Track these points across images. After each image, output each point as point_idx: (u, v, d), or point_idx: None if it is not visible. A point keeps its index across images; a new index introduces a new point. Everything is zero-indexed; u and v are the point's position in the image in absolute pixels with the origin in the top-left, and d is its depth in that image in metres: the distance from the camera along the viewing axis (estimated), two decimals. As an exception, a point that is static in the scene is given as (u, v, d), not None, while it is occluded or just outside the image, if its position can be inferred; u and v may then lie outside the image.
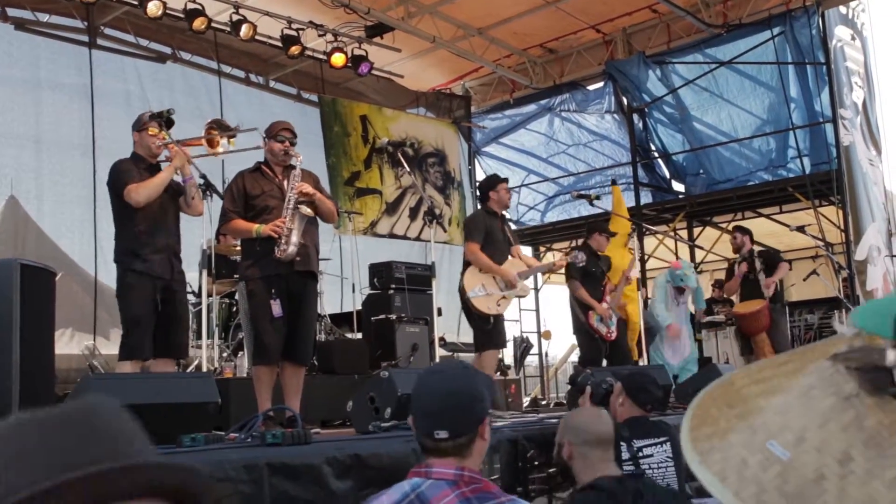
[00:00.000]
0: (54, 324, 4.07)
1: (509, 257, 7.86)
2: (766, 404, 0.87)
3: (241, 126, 6.64)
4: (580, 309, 9.00)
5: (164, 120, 6.14)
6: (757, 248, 10.71)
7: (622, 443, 4.78)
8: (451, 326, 10.66)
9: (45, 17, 11.21)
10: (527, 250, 14.38)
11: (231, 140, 6.52)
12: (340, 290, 11.13)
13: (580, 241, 9.49)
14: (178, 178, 6.19)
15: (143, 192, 5.92)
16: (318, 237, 6.46)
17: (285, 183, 6.31)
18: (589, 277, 9.03)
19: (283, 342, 5.99)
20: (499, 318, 7.75)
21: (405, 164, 8.07)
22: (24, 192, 10.26)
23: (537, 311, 15.40)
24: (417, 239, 13.73)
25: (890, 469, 0.77)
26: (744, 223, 14.35)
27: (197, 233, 7.89)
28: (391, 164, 13.54)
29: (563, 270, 9.13)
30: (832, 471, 0.79)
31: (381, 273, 10.27)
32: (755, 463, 0.82)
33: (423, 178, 13.90)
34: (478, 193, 9.40)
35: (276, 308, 5.98)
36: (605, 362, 8.86)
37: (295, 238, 6.07)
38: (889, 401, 0.81)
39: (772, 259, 10.59)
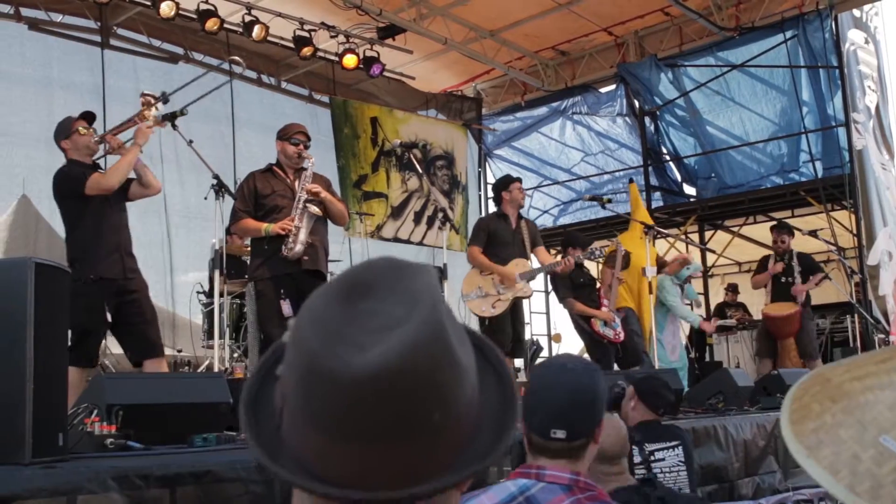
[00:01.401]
0: (68, 323, 4.02)
1: (519, 259, 7.78)
2: (873, 399, 0.88)
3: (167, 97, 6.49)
4: (583, 320, 8.94)
5: (171, 117, 6.15)
6: (797, 251, 10.51)
7: (634, 447, 4.71)
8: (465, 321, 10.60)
9: (58, 18, 11.21)
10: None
11: (158, 106, 6.30)
12: None
13: (596, 245, 9.40)
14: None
15: (113, 175, 5.80)
16: (328, 237, 6.45)
17: (296, 184, 6.33)
18: (580, 288, 8.96)
19: None
20: (499, 320, 7.66)
21: (417, 166, 8.05)
22: (35, 191, 10.20)
23: (548, 313, 15.41)
24: (421, 244, 13.67)
25: None
26: (755, 227, 14.56)
27: (209, 232, 7.85)
28: (398, 167, 13.51)
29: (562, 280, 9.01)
30: None
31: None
32: (868, 458, 0.83)
33: (431, 180, 13.74)
34: (491, 195, 9.35)
35: (287, 308, 5.96)
36: (615, 366, 8.79)
37: (303, 237, 6.09)
38: None
39: (811, 266, 10.44)
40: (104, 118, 10.64)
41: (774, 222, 13.84)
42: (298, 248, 6.08)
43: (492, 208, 14.88)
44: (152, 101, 6.20)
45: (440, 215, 7.48)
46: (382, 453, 0.99)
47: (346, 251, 11.26)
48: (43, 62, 10.88)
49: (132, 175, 6.00)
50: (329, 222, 6.52)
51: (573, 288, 8.92)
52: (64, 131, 6.04)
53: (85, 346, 5.70)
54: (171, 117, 6.10)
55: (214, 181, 6.57)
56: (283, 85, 13.56)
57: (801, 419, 0.90)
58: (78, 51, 11.20)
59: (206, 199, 6.85)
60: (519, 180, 8.26)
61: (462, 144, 14.81)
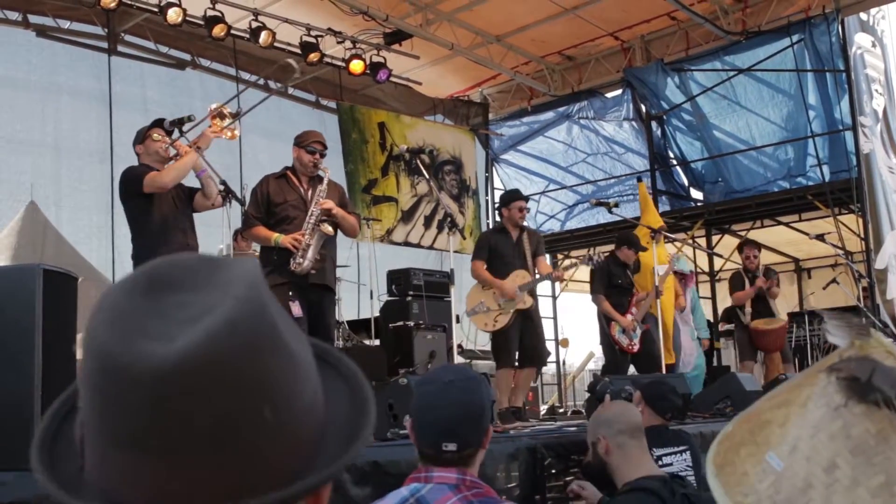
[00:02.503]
0: (76, 331, 3.98)
1: (519, 270, 7.75)
2: (771, 418, 0.91)
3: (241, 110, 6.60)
4: (605, 319, 8.89)
5: (178, 123, 6.07)
6: (764, 265, 10.86)
7: (641, 452, 4.85)
8: (469, 333, 10.60)
9: (65, 24, 11.22)
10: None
11: (229, 117, 6.28)
12: (358, 296, 11.07)
13: (594, 251, 9.33)
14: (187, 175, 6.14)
15: (168, 173, 5.86)
16: (336, 251, 6.48)
17: (309, 193, 6.33)
18: (615, 289, 8.90)
19: None
20: (504, 334, 7.64)
21: (424, 172, 8.01)
22: (42, 197, 10.26)
23: (555, 318, 15.35)
24: (431, 248, 13.62)
25: (875, 476, 0.81)
26: (762, 231, 14.51)
27: (216, 237, 7.83)
28: (407, 171, 13.50)
29: (587, 279, 9.04)
30: (819, 479, 0.84)
31: (399, 280, 10.26)
32: (754, 474, 0.87)
33: (440, 185, 13.77)
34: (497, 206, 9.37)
35: (297, 308, 5.94)
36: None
37: (311, 254, 6.08)
38: (875, 410, 0.86)
39: (776, 276, 10.79)
40: (110, 124, 10.79)
41: (782, 226, 14.05)
42: (307, 264, 6.09)
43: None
44: (226, 113, 6.21)
45: (448, 220, 7.44)
46: (199, 464, 0.84)
47: (353, 256, 11.11)
48: (50, 69, 10.92)
49: (191, 182, 6.08)
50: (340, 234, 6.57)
51: (608, 286, 8.89)
52: (139, 137, 6.16)
53: None
54: (178, 123, 6.05)
55: (221, 187, 6.47)
56: (290, 91, 13.50)
57: (722, 441, 0.94)
58: (85, 57, 11.23)
59: (209, 190, 6.69)
60: (523, 199, 8.18)
61: (470, 149, 14.79)
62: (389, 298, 10.26)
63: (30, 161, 10.45)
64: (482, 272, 7.73)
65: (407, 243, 13.42)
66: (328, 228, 6.15)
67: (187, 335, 0.83)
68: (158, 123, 6.09)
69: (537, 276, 7.99)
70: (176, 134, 6.00)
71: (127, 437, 0.83)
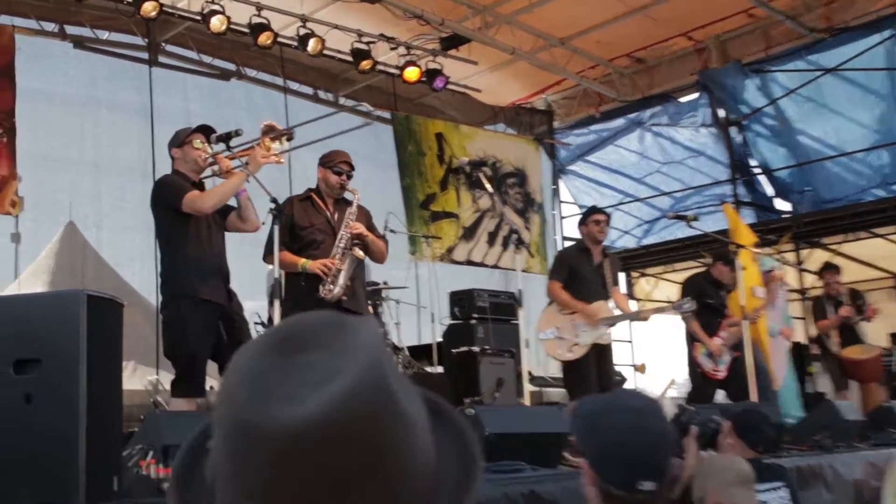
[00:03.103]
0: (122, 359, 4.10)
1: (601, 301, 7.62)
2: None
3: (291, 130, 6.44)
4: (690, 339, 8.75)
5: (226, 138, 5.91)
6: (850, 288, 10.68)
7: (734, 488, 4.72)
8: (540, 359, 10.45)
9: (104, 35, 11.32)
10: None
11: (284, 140, 6.19)
12: (418, 320, 10.92)
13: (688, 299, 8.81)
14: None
15: (210, 198, 5.76)
16: (365, 276, 6.49)
17: (336, 216, 6.30)
18: (706, 309, 8.67)
19: None
20: (579, 367, 7.50)
21: (486, 186, 7.87)
22: (82, 217, 10.30)
23: (631, 342, 14.92)
24: (496, 267, 13.50)
25: None
26: (856, 244, 14.06)
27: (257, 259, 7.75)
28: (468, 185, 13.36)
29: (666, 299, 8.85)
30: None
31: (462, 302, 10.20)
32: None
33: (503, 199, 13.64)
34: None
35: None
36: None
37: (342, 280, 6.04)
38: None
39: (862, 299, 10.61)
40: (152, 139, 10.72)
41: (879, 239, 13.68)
42: (337, 290, 6.06)
43: (567, 229, 15.29)
44: (279, 131, 6.14)
45: (514, 237, 7.28)
46: None
47: (412, 277, 11.12)
48: (88, 81, 11.01)
49: (232, 202, 6.00)
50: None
51: (700, 305, 8.54)
52: (177, 140, 6.04)
53: (196, 374, 5.71)
54: (225, 138, 5.90)
55: (272, 205, 6.27)
56: (341, 101, 13.45)
57: None
58: (125, 69, 11.29)
59: (263, 224, 6.68)
60: (600, 212, 8.07)
61: (534, 160, 14.61)
62: (452, 322, 10.19)
63: (68, 179, 10.47)
64: (561, 293, 7.61)
65: (469, 262, 13.28)
66: (359, 253, 6.13)
67: (314, 399, 0.94)
68: (203, 130, 5.97)
69: (624, 314, 7.84)
70: (219, 146, 5.87)
71: (254, 490, 0.95)
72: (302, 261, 6.07)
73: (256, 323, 9.10)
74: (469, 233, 13.38)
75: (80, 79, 10.93)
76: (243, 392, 0.96)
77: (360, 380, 0.94)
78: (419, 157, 13.08)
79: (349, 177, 6.38)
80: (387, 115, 13.34)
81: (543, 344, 7.65)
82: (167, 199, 5.76)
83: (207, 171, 6.03)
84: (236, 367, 1.00)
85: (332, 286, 6.02)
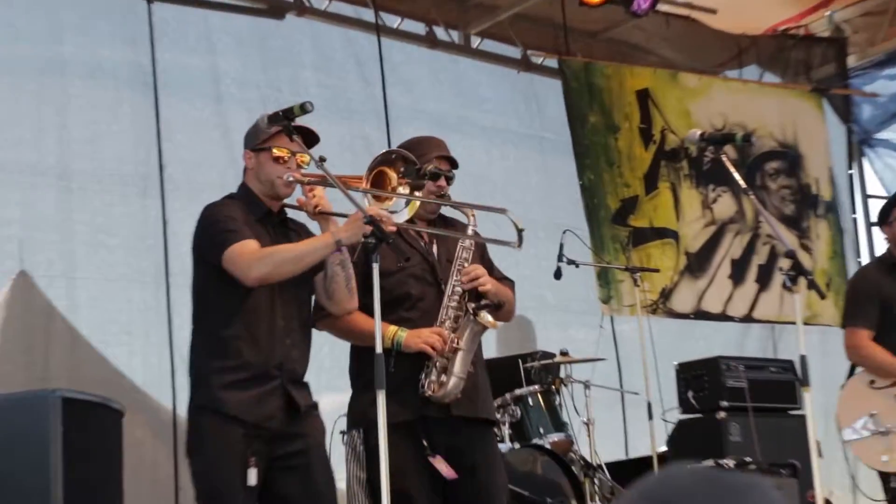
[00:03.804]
0: (120, 476, 4.05)
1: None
2: None
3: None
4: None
5: (291, 125, 4.74)
6: None
7: None
8: (840, 474, 8.28)
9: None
10: None
11: (415, 191, 5.06)
12: (622, 414, 9.68)
13: None
14: None
15: (267, 261, 4.76)
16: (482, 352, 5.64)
17: (435, 249, 5.47)
18: None
19: None
20: None
21: (735, 176, 5.81)
22: (40, 264, 8.21)
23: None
24: (749, 319, 10.93)
25: None
26: None
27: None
28: (694, 178, 10.72)
29: None
30: None
31: (699, 381, 8.95)
32: None
33: (760, 199, 10.70)
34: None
35: (444, 467, 5.10)
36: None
37: (459, 367, 5.12)
38: None
39: None
40: (157, 123, 8.77)
41: None
42: (452, 384, 5.07)
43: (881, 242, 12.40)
44: (398, 174, 5.07)
45: (785, 264, 5.42)
46: None
47: (607, 340, 9.44)
48: (48, 32, 8.74)
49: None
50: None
51: None
52: (254, 137, 5.02)
53: None
54: (284, 118, 4.61)
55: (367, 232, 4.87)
56: (474, 42, 10.59)
57: None
58: (109, 7, 9.00)
59: (337, 283, 5.49)
60: None
61: (815, 127, 11.76)
62: (684, 417, 8.86)
63: (16, 198, 8.31)
64: (872, 350, 6.82)
65: (701, 313, 10.63)
66: (488, 319, 5.19)
67: None
68: (278, 119, 4.69)
69: None
70: (312, 166, 4.89)
71: None
72: (392, 330, 5.08)
73: (342, 431, 7.02)
74: (698, 262, 10.68)
75: (35, 29, 8.63)
76: None
77: None
78: (608, 135, 10.40)
79: (449, 180, 5.45)
80: (550, 62, 10.61)
81: (851, 446, 6.95)
82: (204, 243, 4.93)
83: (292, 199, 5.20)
84: None
85: (443, 377, 5.15)
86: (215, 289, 5.01)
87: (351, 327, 5.25)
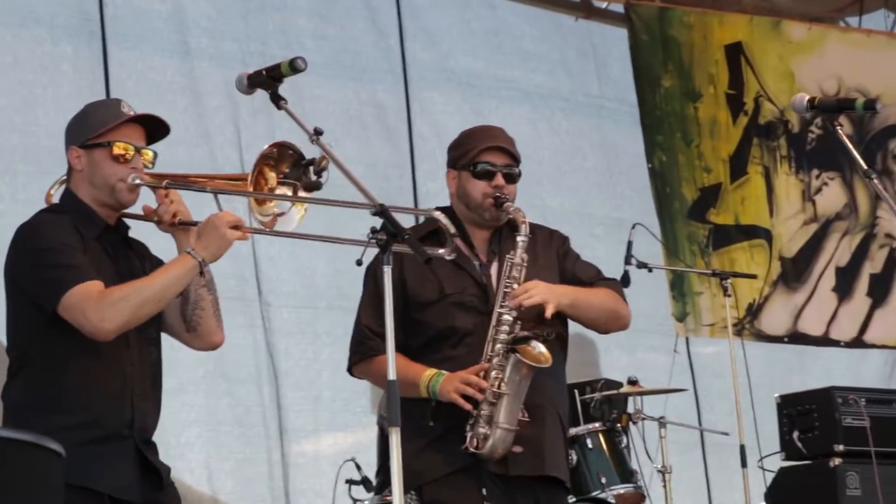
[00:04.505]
0: None
1: None
2: None
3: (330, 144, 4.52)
4: None
5: (273, 92, 4.47)
6: None
7: None
8: None
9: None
10: None
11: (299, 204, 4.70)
12: (702, 460, 9.16)
13: None
14: None
15: (122, 307, 4.41)
16: (565, 386, 5.46)
17: (493, 269, 5.17)
18: None
19: None
20: None
21: (850, 149, 5.00)
22: None
23: None
24: (858, 343, 10.03)
25: None
26: None
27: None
28: (793, 159, 9.72)
29: None
30: None
31: (806, 418, 8.23)
32: None
33: (881, 184, 8.36)
34: None
35: None
36: None
37: (505, 415, 4.86)
38: None
39: None
40: (106, 81, 8.40)
41: None
42: (497, 438, 4.82)
43: None
44: (297, 158, 4.63)
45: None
46: None
47: (681, 368, 8.90)
48: None
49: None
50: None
51: None
52: (84, 129, 4.59)
53: None
54: (270, 85, 4.37)
55: (375, 223, 4.35)
56: None
57: None
58: None
59: (359, 263, 4.56)
60: None
61: None
62: (786, 464, 8.14)
63: None
64: None
65: (798, 336, 9.79)
66: (539, 352, 4.95)
67: None
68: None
69: None
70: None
71: None
72: (427, 374, 4.95)
73: (349, 481, 7.47)
74: (796, 270, 9.85)
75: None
76: None
77: None
78: (687, 102, 9.57)
79: (510, 178, 5.08)
80: (615, 6, 9.68)
81: None
82: (26, 280, 4.54)
83: (137, 208, 4.74)
84: None
85: (485, 428, 4.89)
86: (39, 330, 4.66)
87: (380, 371, 4.93)
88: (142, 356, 4.63)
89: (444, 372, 4.93)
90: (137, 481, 4.52)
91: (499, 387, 4.92)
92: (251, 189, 4.59)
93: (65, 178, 4.69)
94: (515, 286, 5.00)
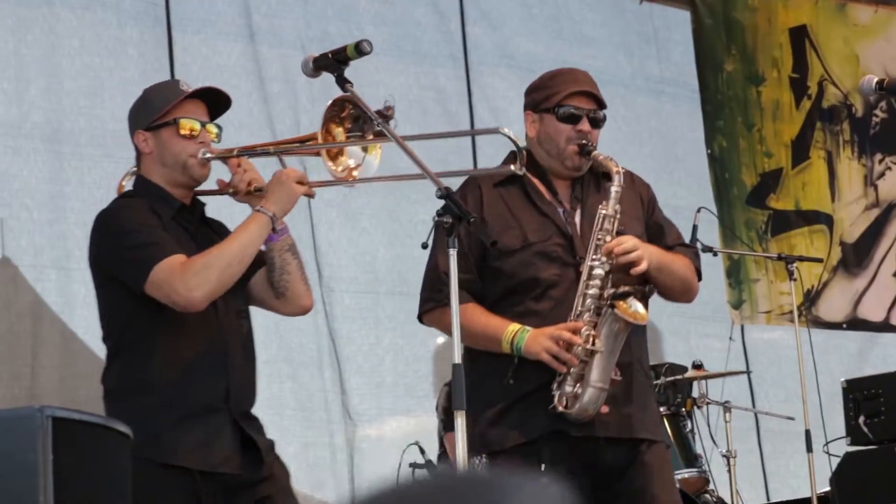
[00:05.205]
0: None
1: None
2: None
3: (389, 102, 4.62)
4: None
5: (339, 74, 4.46)
6: None
7: None
8: None
9: None
10: None
11: (373, 150, 4.63)
12: (757, 446, 9.16)
13: None
14: None
15: (209, 274, 4.35)
16: (646, 343, 5.09)
17: (578, 218, 4.88)
18: None
19: None
20: None
21: None
22: (25, 251, 7.74)
23: None
24: None
25: None
26: None
27: (427, 332, 6.95)
28: (857, 145, 9.65)
29: None
30: None
31: (873, 402, 8.27)
32: None
33: None
34: None
35: None
36: None
37: (598, 374, 4.60)
38: None
39: None
40: (171, 66, 8.35)
41: None
42: (588, 398, 4.57)
43: None
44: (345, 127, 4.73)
45: None
46: None
47: (737, 356, 8.80)
48: None
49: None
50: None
51: None
52: (147, 112, 4.59)
53: None
54: (337, 69, 4.34)
55: (441, 196, 4.28)
56: None
57: None
58: None
59: (424, 247, 4.72)
60: None
61: None
62: (852, 449, 8.13)
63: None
64: None
65: (856, 322, 9.70)
66: (637, 310, 4.71)
67: None
68: (203, 94, 4.69)
69: None
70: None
71: None
72: (511, 328, 4.61)
73: (413, 465, 7.51)
74: (857, 256, 9.76)
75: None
76: None
77: None
78: (749, 86, 9.49)
79: (596, 122, 4.82)
80: None
81: None
82: (113, 262, 4.54)
83: (210, 184, 4.82)
84: None
85: (577, 387, 4.66)
86: (133, 308, 4.69)
87: (468, 325, 4.71)
88: (232, 329, 4.63)
89: (528, 328, 4.71)
90: (237, 453, 4.56)
91: (593, 343, 4.80)
92: (323, 152, 4.64)
93: (134, 168, 4.70)
94: (609, 238, 4.81)
